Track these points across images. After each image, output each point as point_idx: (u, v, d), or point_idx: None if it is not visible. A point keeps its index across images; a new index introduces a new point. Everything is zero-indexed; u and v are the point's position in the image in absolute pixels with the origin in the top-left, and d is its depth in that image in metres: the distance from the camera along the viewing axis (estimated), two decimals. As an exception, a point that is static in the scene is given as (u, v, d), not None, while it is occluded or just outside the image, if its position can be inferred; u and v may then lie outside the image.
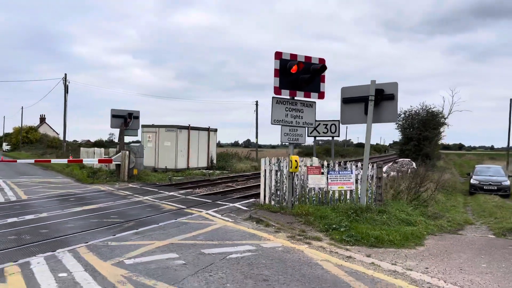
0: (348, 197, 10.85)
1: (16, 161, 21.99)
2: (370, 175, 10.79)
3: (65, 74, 39.80)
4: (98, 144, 71.78)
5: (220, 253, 6.66)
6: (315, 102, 10.41)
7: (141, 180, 19.80)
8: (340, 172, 10.84)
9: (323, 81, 10.27)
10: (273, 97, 9.84)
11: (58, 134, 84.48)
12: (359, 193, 10.77)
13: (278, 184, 10.95)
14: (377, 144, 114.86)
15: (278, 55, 9.71)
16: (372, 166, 10.78)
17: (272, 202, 10.94)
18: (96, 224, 8.98)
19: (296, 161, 10.04)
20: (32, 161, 22.13)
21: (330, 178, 10.80)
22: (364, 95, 10.40)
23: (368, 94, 10.27)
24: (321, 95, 10.30)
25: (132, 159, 19.97)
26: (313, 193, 10.85)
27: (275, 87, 9.71)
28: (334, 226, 8.51)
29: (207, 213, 10.45)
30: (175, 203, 12.26)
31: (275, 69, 9.68)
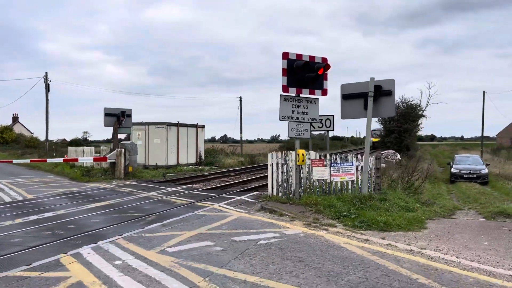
0: (349, 187, 11.59)
1: (12, 161, 21.88)
2: (369, 166, 11.56)
3: (46, 73, 39.36)
4: (74, 143, 70.78)
5: (249, 240, 7.26)
6: (318, 99, 11.08)
7: (136, 177, 20.11)
8: (342, 164, 11.57)
9: (326, 79, 10.94)
10: (280, 94, 10.46)
11: (32, 133, 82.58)
12: (359, 183, 11.54)
13: (285, 177, 11.60)
14: (352, 137, 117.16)
15: (285, 55, 10.32)
16: (371, 157, 11.55)
17: (279, 194, 11.58)
18: (118, 218, 9.43)
19: (303, 154, 10.71)
20: (28, 160, 22.06)
21: (333, 170, 11.51)
22: (363, 91, 11.11)
23: (366, 91, 11.00)
24: (324, 92, 10.98)
25: (127, 156, 20.26)
26: (317, 184, 11.54)
27: (283, 86, 10.33)
28: (344, 213, 9.23)
29: (219, 206, 11.01)
30: (183, 198, 12.75)
31: (283, 69, 10.29)
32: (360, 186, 11.53)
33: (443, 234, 8.01)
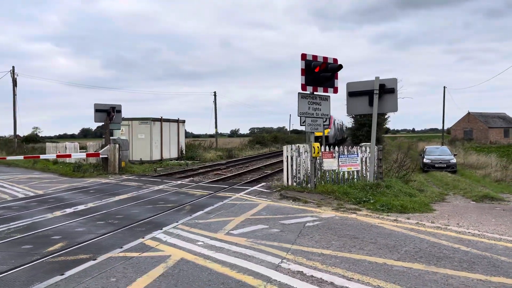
0: (355, 176, 12.75)
1: (5, 158, 21.49)
2: (368, 157, 12.76)
3: (13, 67, 38.19)
4: (30, 139, 68.24)
5: (296, 223, 8.19)
6: (329, 96, 12.13)
7: (128, 172, 20.44)
8: (349, 156, 12.71)
9: (337, 78, 11.99)
10: (299, 93, 11.42)
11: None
12: (363, 172, 12.73)
13: (298, 168, 12.59)
14: (301, 130, 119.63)
15: (303, 56, 11.27)
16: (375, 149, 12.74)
17: (294, 184, 12.56)
18: (156, 209, 10.06)
19: (318, 147, 11.73)
20: (21, 157, 21.75)
21: (341, 161, 12.63)
22: (368, 89, 12.27)
23: (371, 89, 12.16)
24: (335, 90, 12.04)
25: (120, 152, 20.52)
26: (327, 174, 12.62)
27: (302, 84, 11.29)
28: (364, 199, 10.35)
29: (241, 196, 11.85)
30: (197, 190, 13.46)
31: (302, 69, 11.24)
32: (364, 175, 12.72)
33: (454, 214, 9.28)
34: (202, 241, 6.81)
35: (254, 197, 11.57)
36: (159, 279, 5.05)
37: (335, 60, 11.86)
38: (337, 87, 12.10)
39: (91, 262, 5.74)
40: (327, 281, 4.94)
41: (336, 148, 12.81)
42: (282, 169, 20.86)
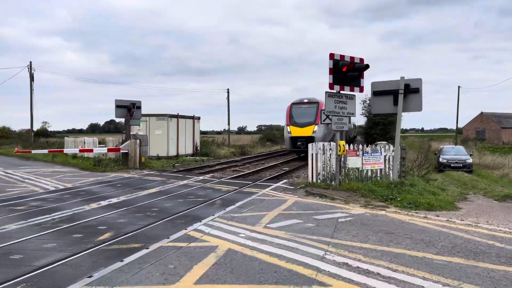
0: (378, 174, 12.97)
1: (31, 151, 22.01)
2: (392, 155, 12.97)
3: (30, 62, 38.78)
4: (41, 133, 69.04)
5: (329, 218, 8.46)
6: (355, 95, 12.37)
7: (147, 167, 20.80)
8: (372, 154, 12.93)
9: (363, 77, 12.21)
10: (326, 91, 11.66)
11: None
12: (386, 170, 12.95)
13: (323, 165, 12.85)
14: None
15: (331, 56, 11.51)
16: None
17: (318, 181, 12.83)
18: (188, 203, 10.38)
19: (344, 145, 11.97)
20: (46, 151, 22.25)
21: (365, 159, 12.86)
22: (392, 89, 12.48)
23: (396, 88, 12.36)
24: (361, 89, 12.27)
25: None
26: (350, 172, 12.86)
27: (329, 83, 11.53)
28: (390, 197, 10.59)
29: (267, 192, 12.14)
30: (222, 185, 13.77)
31: (330, 68, 11.49)
32: (387, 173, 12.95)
33: (481, 213, 9.49)
34: (244, 234, 7.10)
35: (281, 193, 11.85)
36: (214, 267, 5.35)
37: (361, 60, 12.09)
38: (363, 86, 12.33)
39: (145, 251, 6.06)
40: (373, 272, 5.21)
41: (360, 146, 13.03)
42: (299, 166, 21.18)
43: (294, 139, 25.50)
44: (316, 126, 24.49)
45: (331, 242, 6.59)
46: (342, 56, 11.73)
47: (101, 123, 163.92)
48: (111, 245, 6.46)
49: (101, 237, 6.94)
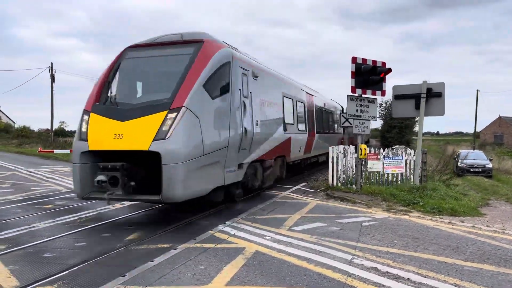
0: (399, 178, 12.89)
1: (53, 151, 22.44)
2: (413, 160, 12.88)
3: (51, 63, 39.41)
4: (59, 133, 70.13)
5: (352, 222, 8.44)
6: (376, 99, 12.30)
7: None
8: (393, 158, 12.86)
9: (385, 81, 12.16)
10: (348, 95, 11.65)
11: (14, 122, 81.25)
12: (407, 175, 12.86)
13: (344, 169, 12.83)
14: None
15: (353, 59, 11.50)
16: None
17: (339, 184, 12.80)
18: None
19: (365, 149, 11.93)
20: (68, 151, 22.62)
21: (385, 163, 12.79)
22: (414, 93, 12.41)
23: (418, 92, 12.29)
24: (383, 93, 12.21)
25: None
26: (371, 175, 12.81)
27: (351, 87, 11.52)
28: (413, 201, 10.51)
29: (287, 194, 12.16)
30: (242, 187, 13.81)
31: (352, 72, 11.48)
32: (408, 177, 12.86)
33: (506, 219, 9.39)
34: (269, 236, 7.14)
35: (301, 196, 11.86)
36: (244, 269, 5.40)
37: (383, 63, 12.04)
38: (384, 90, 12.27)
39: (174, 251, 6.14)
40: (403, 277, 5.20)
41: (381, 150, 12.98)
42: (317, 169, 21.12)
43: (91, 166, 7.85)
44: (180, 113, 7.29)
45: (358, 246, 6.59)
46: (364, 60, 11.70)
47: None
48: (140, 245, 6.57)
49: (129, 237, 7.05)
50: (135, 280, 4.95)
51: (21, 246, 6.51)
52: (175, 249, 6.27)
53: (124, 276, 5.07)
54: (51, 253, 6.13)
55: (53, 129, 41.84)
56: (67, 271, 5.29)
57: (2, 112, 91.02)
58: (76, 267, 5.45)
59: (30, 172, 18.83)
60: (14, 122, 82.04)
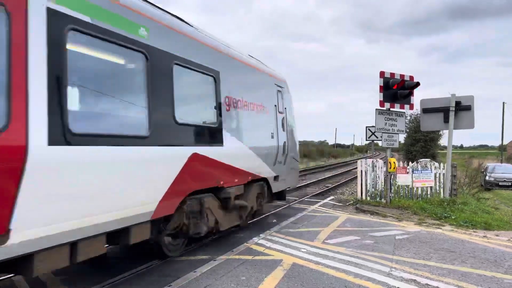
0: (428, 192, 12.82)
1: None
2: (443, 173, 12.81)
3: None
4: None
5: (385, 235, 8.47)
6: (404, 112, 12.35)
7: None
8: (422, 171, 12.82)
9: (413, 95, 12.21)
10: (376, 109, 11.73)
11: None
12: (437, 188, 12.79)
13: (373, 182, 12.85)
14: (352, 144, 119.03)
15: (381, 74, 11.62)
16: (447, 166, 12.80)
17: (368, 198, 12.81)
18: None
19: (394, 162, 11.95)
20: None
21: (414, 176, 12.75)
22: (442, 106, 12.42)
23: (446, 105, 12.29)
24: (411, 107, 12.26)
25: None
26: (400, 189, 12.79)
27: (380, 101, 11.62)
28: (444, 215, 10.46)
29: (317, 208, 12.22)
30: (270, 201, 13.94)
31: (380, 86, 11.59)
32: (438, 191, 12.78)
33: (542, 233, 9.23)
34: (305, 249, 7.24)
35: (331, 210, 11.91)
36: (285, 280, 5.52)
37: (411, 77, 12.11)
38: (413, 104, 12.32)
39: (214, 262, 6.30)
40: (444, 290, 5.23)
41: (410, 163, 12.96)
42: (342, 183, 21.13)
43: None
44: None
45: (394, 259, 6.63)
46: (392, 74, 11.81)
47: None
48: (179, 256, 6.75)
49: (168, 249, 7.24)
50: (181, 290, 5.12)
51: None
52: (215, 260, 6.44)
53: (170, 286, 5.26)
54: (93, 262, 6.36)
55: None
56: (117, 280, 5.50)
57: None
58: (122, 278, 5.66)
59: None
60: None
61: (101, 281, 5.46)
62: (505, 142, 63.22)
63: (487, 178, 24.46)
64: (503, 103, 40.93)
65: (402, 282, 5.48)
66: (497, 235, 8.74)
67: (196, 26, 7.14)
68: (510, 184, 23.57)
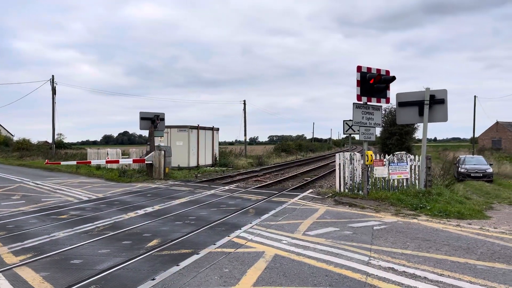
0: (404, 184, 13.15)
1: (60, 163, 22.66)
2: (418, 165, 13.17)
3: (53, 76, 39.64)
4: (57, 145, 70.16)
5: (363, 226, 8.69)
6: (381, 106, 12.63)
7: (171, 177, 21.22)
8: (398, 164, 13.14)
9: (389, 89, 12.48)
10: (354, 103, 11.96)
11: (13, 135, 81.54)
12: (412, 180, 13.14)
13: (351, 175, 13.09)
14: (329, 138, 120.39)
15: (358, 68, 11.83)
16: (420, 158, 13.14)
17: (346, 190, 13.06)
18: (223, 212, 10.68)
19: (371, 155, 12.21)
20: (74, 162, 22.90)
21: (391, 169, 13.06)
22: (417, 100, 12.72)
23: (421, 99, 12.60)
24: (388, 100, 12.55)
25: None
26: (377, 181, 13.08)
27: (357, 95, 11.84)
28: (420, 205, 10.77)
29: (296, 201, 12.40)
30: (250, 195, 14.07)
31: (357, 80, 11.81)
32: (413, 183, 13.13)
33: (512, 221, 9.63)
34: (286, 240, 7.38)
35: (310, 202, 12.10)
36: (267, 271, 5.63)
37: (387, 72, 12.37)
38: (389, 98, 12.60)
39: (196, 256, 6.37)
40: (420, 276, 5.44)
41: (387, 156, 13.26)
42: (320, 176, 21.41)
43: None
44: None
45: (372, 249, 6.83)
46: (369, 69, 12.04)
47: (115, 134, 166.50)
48: (162, 251, 6.79)
49: (150, 244, 7.27)
50: (165, 283, 5.17)
51: (46, 254, 6.72)
52: (197, 254, 6.50)
53: (154, 279, 5.30)
54: (77, 260, 6.34)
55: (54, 142, 41.88)
56: (98, 276, 5.50)
57: (1, 126, 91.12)
58: (106, 272, 5.66)
59: (37, 184, 19.01)
60: (13, 135, 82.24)
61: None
62: (476, 135, 65.08)
63: (459, 169, 25.12)
64: (475, 96, 42.16)
65: (381, 270, 5.66)
66: (469, 224, 9.07)
67: None
68: (481, 175, 24.26)
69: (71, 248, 7.07)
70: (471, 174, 24.42)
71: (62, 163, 23.02)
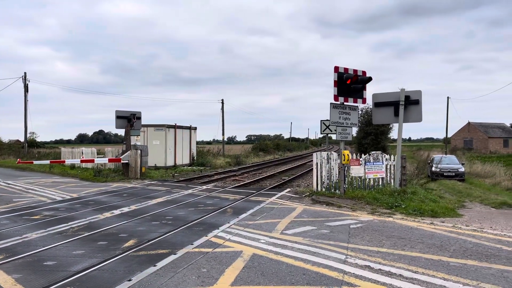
0: (380, 183, 13.37)
1: (33, 162, 22.05)
2: (393, 165, 13.41)
3: (25, 73, 38.67)
4: (30, 144, 68.51)
5: (340, 225, 8.79)
6: (357, 106, 12.80)
7: (147, 177, 20.99)
8: (374, 163, 13.34)
9: (365, 89, 12.66)
10: (331, 103, 12.08)
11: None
12: (388, 179, 13.37)
13: (328, 174, 13.22)
14: (307, 138, 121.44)
15: (336, 69, 11.96)
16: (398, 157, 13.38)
17: (323, 189, 13.18)
18: (199, 211, 10.62)
19: (348, 154, 12.36)
20: (48, 161, 22.26)
21: (367, 168, 13.26)
22: (393, 100, 12.95)
23: (397, 100, 12.83)
24: (364, 101, 12.72)
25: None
26: (354, 180, 13.24)
27: (334, 95, 11.96)
28: (395, 204, 10.96)
29: (274, 200, 12.44)
30: (228, 194, 14.04)
31: (334, 80, 11.93)
32: (388, 182, 13.36)
33: (484, 219, 9.91)
34: (264, 240, 7.39)
35: (287, 202, 12.16)
36: (245, 270, 5.63)
37: (364, 72, 12.54)
38: (365, 98, 12.78)
39: (174, 256, 6.31)
40: (396, 273, 5.54)
41: (363, 155, 13.44)
42: (298, 176, 21.55)
43: None
44: None
45: (349, 247, 6.91)
46: (346, 69, 12.18)
47: (90, 133, 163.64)
48: (139, 251, 6.70)
49: (126, 244, 7.17)
50: (142, 284, 5.11)
51: (19, 255, 6.54)
52: (175, 254, 6.45)
53: (130, 280, 5.23)
54: (51, 261, 6.20)
55: (27, 141, 40.82)
56: (73, 277, 5.39)
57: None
58: (81, 273, 5.55)
59: (8, 184, 18.49)
60: (-27, 134, 79.38)
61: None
62: (449, 135, 66.75)
63: (433, 169, 25.69)
64: (448, 97, 43.22)
65: (357, 268, 5.74)
66: (442, 222, 9.28)
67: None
68: (454, 174, 24.88)
69: (44, 249, 6.90)
70: (444, 174, 25.01)
71: (35, 162, 22.45)
